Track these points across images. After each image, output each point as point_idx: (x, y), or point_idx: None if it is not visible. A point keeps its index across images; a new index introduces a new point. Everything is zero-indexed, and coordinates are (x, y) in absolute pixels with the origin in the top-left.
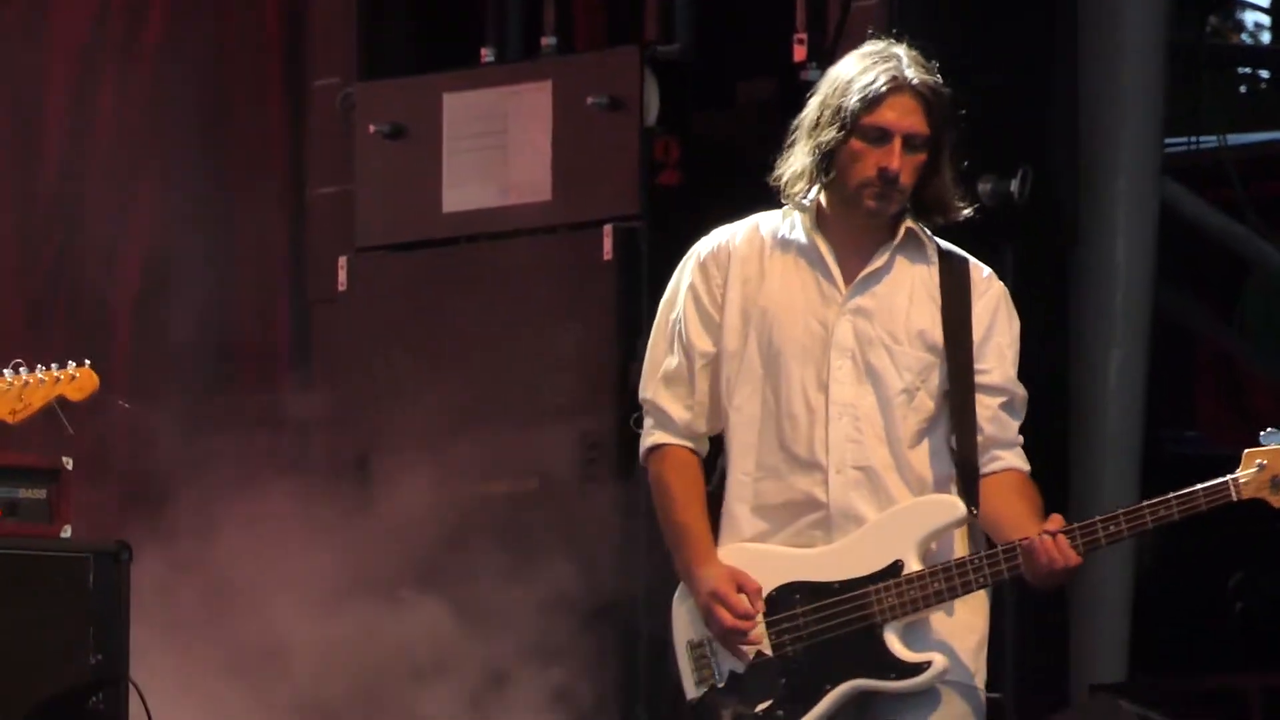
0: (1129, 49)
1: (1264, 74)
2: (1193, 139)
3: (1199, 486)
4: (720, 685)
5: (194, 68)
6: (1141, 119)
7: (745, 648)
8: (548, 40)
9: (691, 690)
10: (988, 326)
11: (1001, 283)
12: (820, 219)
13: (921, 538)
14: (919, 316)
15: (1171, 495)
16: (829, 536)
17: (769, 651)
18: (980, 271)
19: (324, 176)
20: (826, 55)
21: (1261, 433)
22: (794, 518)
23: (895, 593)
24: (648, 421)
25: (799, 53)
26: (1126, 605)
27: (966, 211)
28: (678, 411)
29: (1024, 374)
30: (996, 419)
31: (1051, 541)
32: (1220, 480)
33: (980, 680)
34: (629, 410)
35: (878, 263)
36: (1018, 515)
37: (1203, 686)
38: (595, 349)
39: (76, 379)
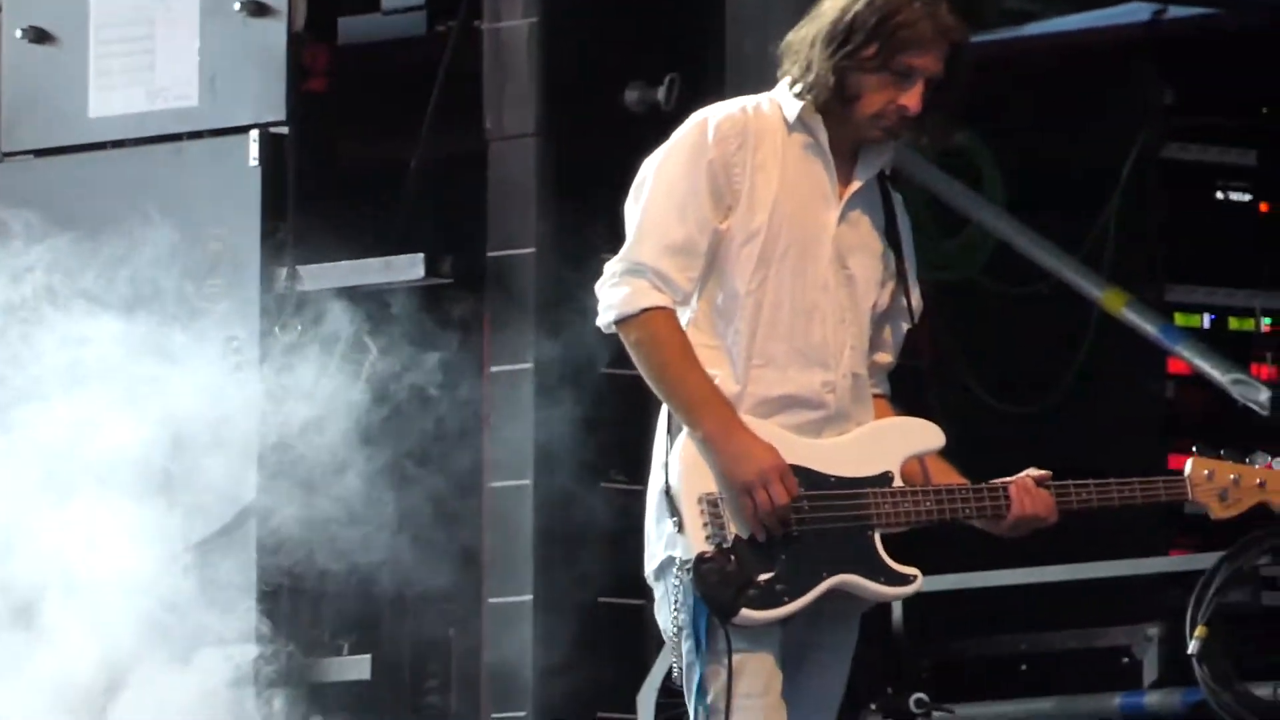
0: None
1: None
2: None
3: (1161, 478)
4: (726, 546)
5: None
6: (790, 26)
7: (779, 531)
8: None
9: (700, 544)
10: (908, 251)
11: None
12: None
13: (907, 455)
14: (880, 236)
15: (1136, 480)
16: (818, 435)
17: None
18: (896, 194)
19: None
20: None
21: (1248, 456)
22: (786, 410)
23: (891, 502)
24: (637, 282)
25: None
26: None
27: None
28: (682, 281)
29: None
30: (898, 346)
31: (1040, 490)
32: (1182, 477)
33: None
34: (274, 316)
35: (865, 179)
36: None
37: None
38: (240, 254)
39: None
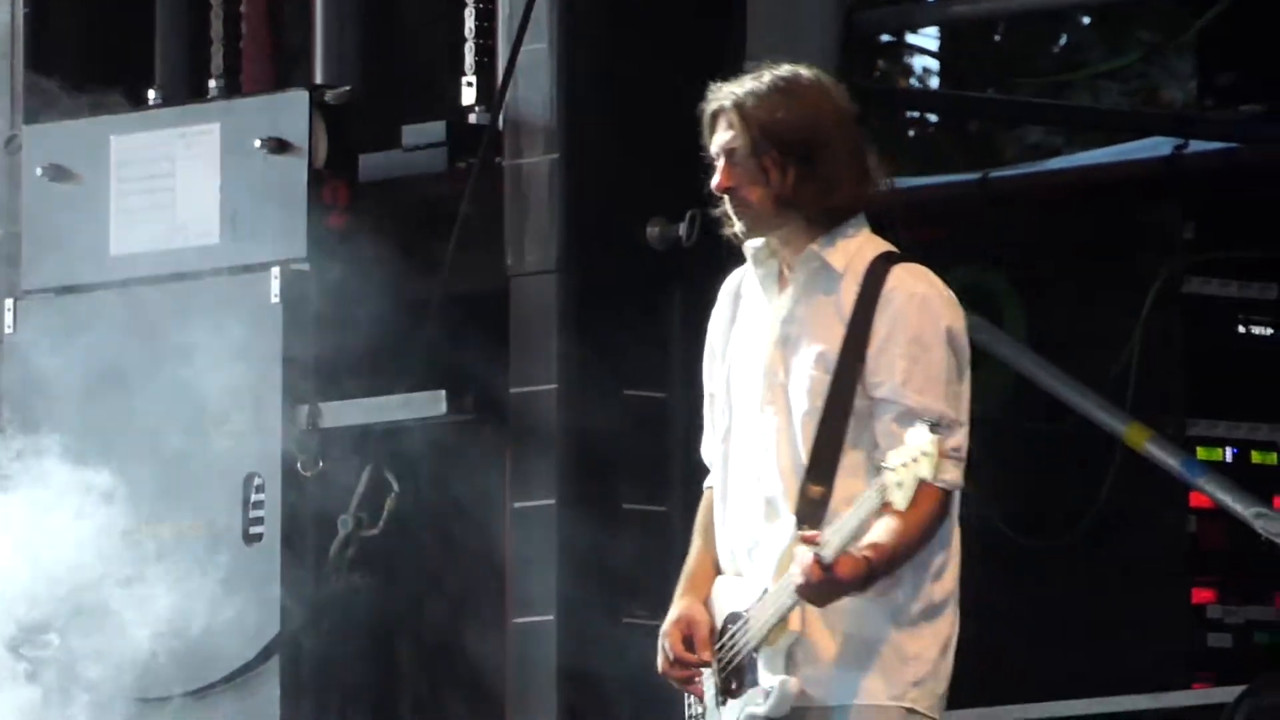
0: None
1: (932, 118)
2: None
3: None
4: (697, 715)
5: None
6: None
7: (688, 691)
8: (215, 83)
9: None
10: (884, 338)
11: (920, 289)
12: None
13: (774, 564)
14: (821, 339)
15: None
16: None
17: (716, 679)
18: (891, 281)
19: None
20: (496, 98)
21: None
22: (745, 547)
23: (757, 615)
24: None
25: (467, 95)
26: None
27: (861, 191)
28: (709, 455)
29: (686, 412)
30: (889, 434)
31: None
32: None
33: (882, 696)
34: (295, 454)
35: (788, 293)
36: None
37: None
38: (263, 392)
39: None
